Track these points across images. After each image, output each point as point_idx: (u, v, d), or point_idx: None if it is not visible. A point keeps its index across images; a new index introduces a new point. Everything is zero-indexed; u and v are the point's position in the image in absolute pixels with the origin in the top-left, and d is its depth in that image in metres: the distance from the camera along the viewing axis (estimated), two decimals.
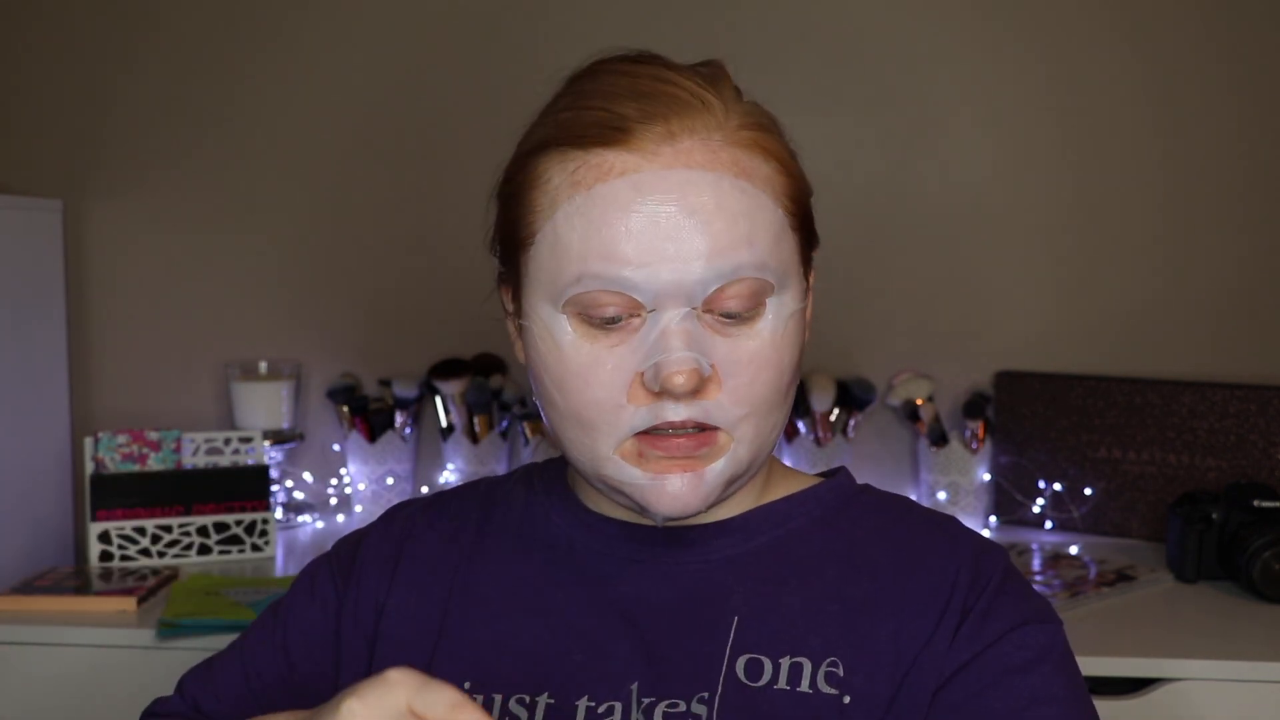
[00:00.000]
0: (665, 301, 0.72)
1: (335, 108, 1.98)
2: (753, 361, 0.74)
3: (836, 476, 0.88)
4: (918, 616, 0.77)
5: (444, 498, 0.92)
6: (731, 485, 0.77)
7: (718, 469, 0.75)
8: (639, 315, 0.73)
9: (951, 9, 1.92)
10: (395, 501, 1.42)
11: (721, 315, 0.74)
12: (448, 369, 1.88)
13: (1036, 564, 1.68)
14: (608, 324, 0.73)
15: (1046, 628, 0.77)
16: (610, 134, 0.73)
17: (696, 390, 0.73)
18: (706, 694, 0.75)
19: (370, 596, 0.86)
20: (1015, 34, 1.92)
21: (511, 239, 0.79)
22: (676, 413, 0.73)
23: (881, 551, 0.81)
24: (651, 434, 0.74)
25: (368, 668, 0.84)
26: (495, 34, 1.96)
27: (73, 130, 1.98)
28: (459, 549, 0.86)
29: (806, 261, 0.80)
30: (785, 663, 0.76)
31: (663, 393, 0.72)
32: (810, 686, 0.75)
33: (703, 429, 0.74)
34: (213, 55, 1.97)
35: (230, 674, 0.89)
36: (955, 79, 1.93)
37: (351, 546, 0.90)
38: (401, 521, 0.90)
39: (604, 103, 0.74)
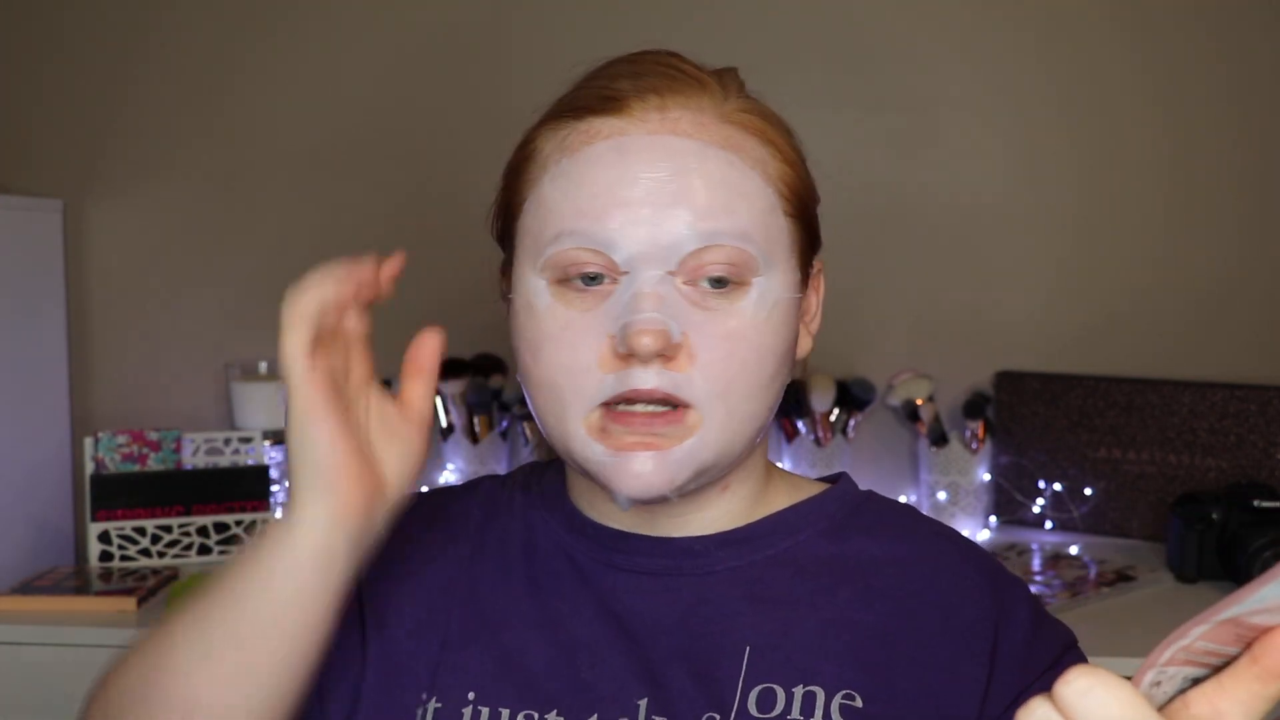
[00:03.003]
0: (640, 263, 0.71)
1: (336, 108, 1.98)
2: (730, 338, 0.72)
3: (839, 483, 0.85)
4: (940, 646, 0.76)
5: (443, 497, 0.89)
6: (702, 474, 0.74)
7: (685, 450, 0.72)
8: (616, 280, 0.72)
9: (953, 9, 1.92)
10: None
11: (703, 286, 0.72)
12: (448, 369, 1.88)
13: (1036, 564, 1.68)
14: (586, 285, 0.73)
15: (1079, 650, 0.78)
16: (604, 103, 0.74)
17: (666, 356, 0.71)
18: (717, 716, 0.73)
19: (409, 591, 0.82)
20: (1016, 35, 1.92)
21: (506, 215, 0.79)
22: (645, 379, 0.71)
23: (894, 572, 0.79)
24: (617, 409, 0.72)
25: (361, 632, 0.80)
26: (496, 37, 1.95)
27: (73, 130, 1.98)
28: (460, 556, 0.83)
29: (805, 258, 0.79)
30: (798, 692, 0.74)
31: (631, 356, 0.71)
32: (824, 717, 0.73)
33: (673, 407, 0.72)
34: (213, 56, 1.97)
35: None
36: (956, 80, 1.93)
37: None
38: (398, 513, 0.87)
39: (604, 81, 0.76)
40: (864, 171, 1.93)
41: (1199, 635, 0.44)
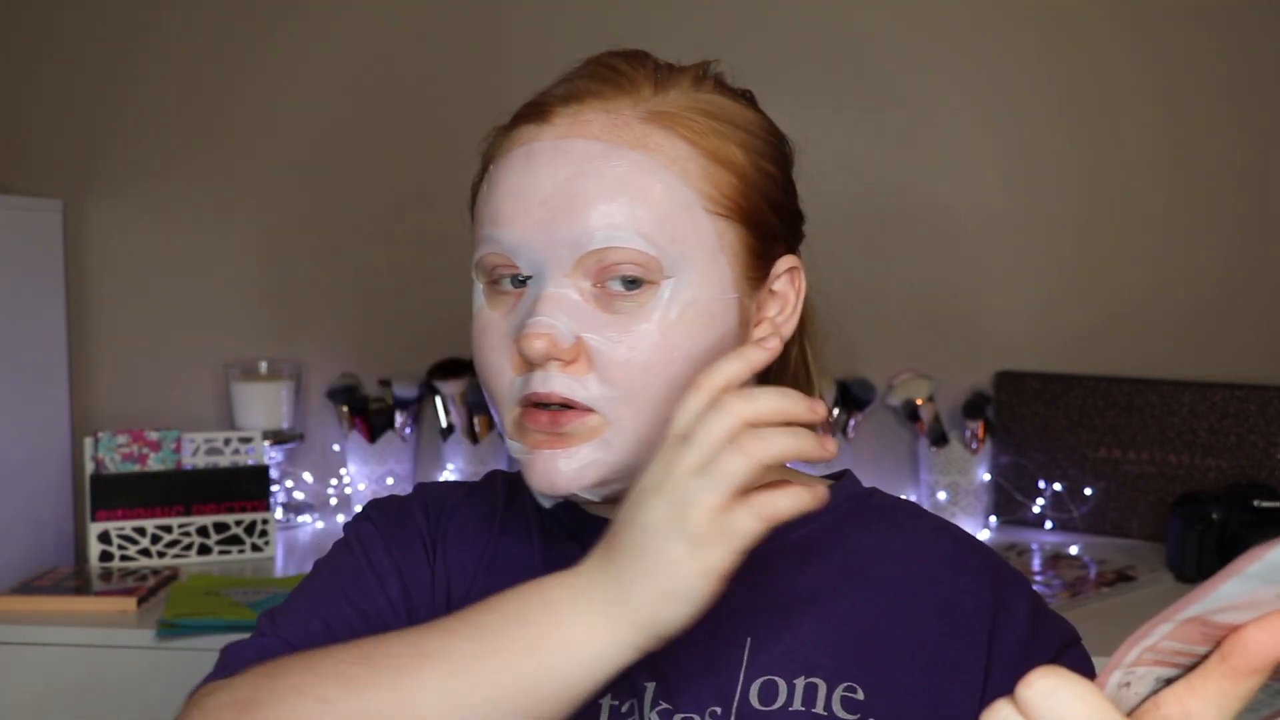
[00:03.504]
0: (544, 268, 0.72)
1: (335, 108, 1.98)
2: (634, 340, 0.71)
3: (843, 480, 0.85)
4: (941, 640, 0.76)
5: (465, 486, 0.89)
6: (622, 477, 0.72)
7: (590, 451, 0.72)
8: (526, 284, 0.73)
9: (952, 9, 1.92)
10: None
11: (613, 288, 0.71)
12: (448, 369, 1.88)
13: (1036, 564, 1.68)
14: (514, 287, 0.74)
15: (1081, 647, 0.78)
16: (532, 110, 0.75)
17: (564, 360, 0.71)
18: (719, 709, 0.74)
19: (455, 561, 0.82)
20: (1016, 35, 1.92)
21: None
22: (544, 383, 0.71)
23: (896, 567, 0.79)
24: (532, 407, 0.72)
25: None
26: (496, 36, 1.96)
27: (73, 130, 1.98)
28: (489, 537, 0.83)
29: (752, 258, 0.76)
30: (800, 683, 0.74)
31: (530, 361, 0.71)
32: (825, 709, 0.73)
33: (574, 408, 0.71)
34: (212, 56, 1.98)
35: (333, 601, 0.79)
36: (956, 79, 1.93)
37: (401, 507, 0.86)
38: (435, 500, 0.86)
39: (549, 87, 0.76)
40: (864, 171, 1.93)
41: (1164, 635, 0.43)
